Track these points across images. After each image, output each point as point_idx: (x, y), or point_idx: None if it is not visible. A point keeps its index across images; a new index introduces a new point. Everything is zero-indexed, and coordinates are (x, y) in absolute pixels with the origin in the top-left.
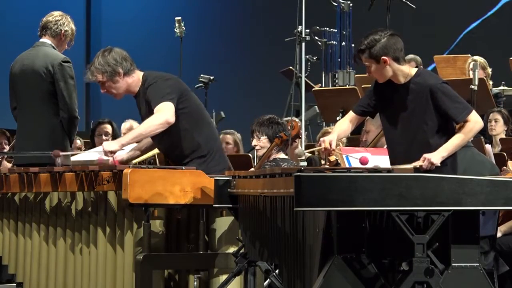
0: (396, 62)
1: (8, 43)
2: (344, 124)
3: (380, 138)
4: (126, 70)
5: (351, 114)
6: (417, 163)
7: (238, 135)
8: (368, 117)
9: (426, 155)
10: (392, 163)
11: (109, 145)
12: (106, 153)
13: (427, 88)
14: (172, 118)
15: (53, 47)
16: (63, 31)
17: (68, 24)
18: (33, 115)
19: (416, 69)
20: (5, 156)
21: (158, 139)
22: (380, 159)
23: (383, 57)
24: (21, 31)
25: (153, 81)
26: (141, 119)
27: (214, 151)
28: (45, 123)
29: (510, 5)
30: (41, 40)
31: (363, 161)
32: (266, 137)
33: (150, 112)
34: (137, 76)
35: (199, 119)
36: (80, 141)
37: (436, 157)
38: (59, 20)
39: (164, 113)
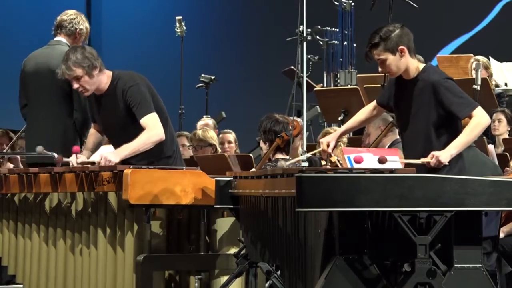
0: (409, 54)
1: (8, 44)
2: (362, 115)
3: (381, 139)
4: (101, 66)
5: (373, 103)
6: (425, 160)
7: (234, 134)
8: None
9: (435, 153)
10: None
11: (110, 155)
12: (107, 162)
13: (430, 84)
14: (163, 134)
15: (68, 46)
16: (78, 29)
17: (83, 23)
18: (46, 114)
19: (424, 64)
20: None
21: (123, 138)
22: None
23: (400, 47)
24: (21, 32)
25: (131, 84)
26: (94, 116)
27: (177, 152)
28: (58, 123)
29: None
30: (56, 38)
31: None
32: (263, 142)
33: (126, 114)
34: (107, 74)
35: (163, 119)
36: None
37: (445, 155)
38: (74, 19)
39: (156, 130)
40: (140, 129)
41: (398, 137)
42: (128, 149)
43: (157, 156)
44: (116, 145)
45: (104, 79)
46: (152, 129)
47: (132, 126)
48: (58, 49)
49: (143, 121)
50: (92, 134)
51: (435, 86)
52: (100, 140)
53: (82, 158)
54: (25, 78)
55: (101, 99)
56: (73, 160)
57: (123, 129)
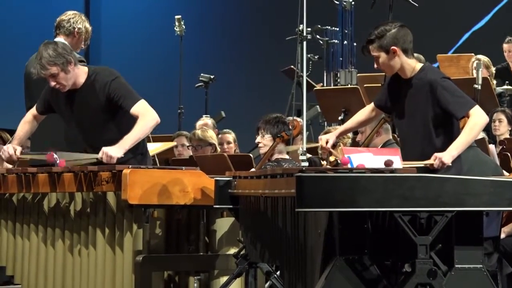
0: (404, 54)
1: (7, 45)
2: (361, 116)
3: (373, 136)
4: (75, 60)
5: (371, 105)
6: (428, 162)
7: (233, 134)
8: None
9: (437, 154)
10: (404, 159)
11: (112, 151)
12: (108, 158)
13: (428, 83)
14: (158, 117)
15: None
16: (76, 29)
17: (81, 22)
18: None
19: (422, 64)
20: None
21: (100, 134)
22: (382, 159)
23: (392, 47)
24: (20, 33)
25: (112, 78)
26: (64, 112)
27: (147, 149)
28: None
29: None
30: (55, 39)
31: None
32: (270, 135)
33: (107, 109)
34: (82, 69)
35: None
36: None
37: (447, 156)
38: (72, 18)
39: (150, 114)
40: (122, 123)
41: (390, 137)
42: (130, 140)
43: (133, 152)
44: (91, 141)
45: (80, 73)
46: (146, 114)
47: (112, 122)
48: None
49: (134, 109)
50: (28, 122)
51: (432, 85)
52: (34, 129)
53: (18, 149)
54: (27, 80)
55: (74, 94)
56: (11, 152)
57: (101, 124)
